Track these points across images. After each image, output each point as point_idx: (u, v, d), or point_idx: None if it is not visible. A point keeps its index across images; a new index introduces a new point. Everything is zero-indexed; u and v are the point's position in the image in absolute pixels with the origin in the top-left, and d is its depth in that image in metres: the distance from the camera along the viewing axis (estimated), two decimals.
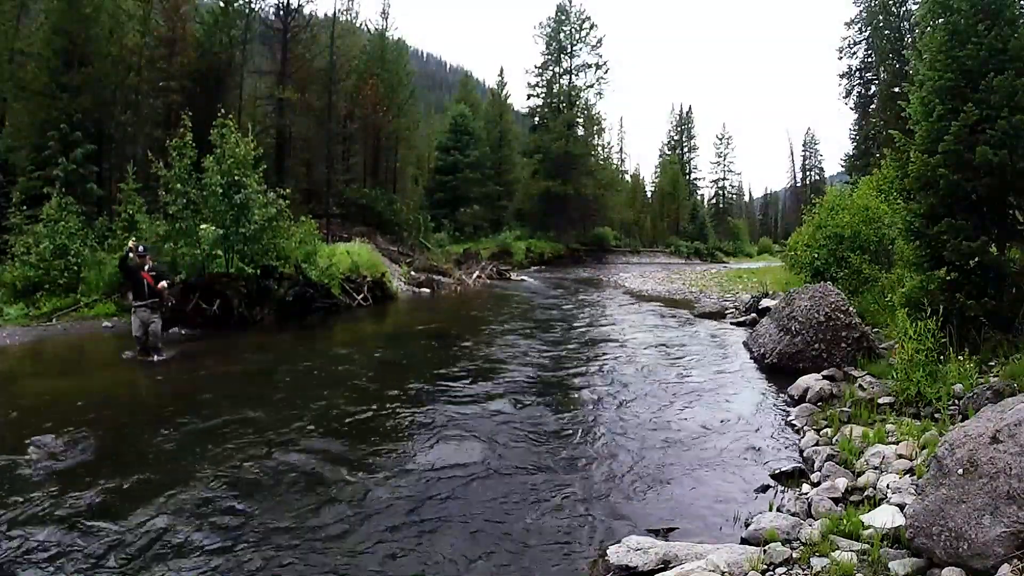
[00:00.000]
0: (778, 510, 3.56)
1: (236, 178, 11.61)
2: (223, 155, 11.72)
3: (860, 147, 32.17)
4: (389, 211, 27.44)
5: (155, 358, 8.02)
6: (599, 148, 48.58)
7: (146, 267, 8.33)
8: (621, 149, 74.86)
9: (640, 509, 3.78)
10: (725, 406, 5.97)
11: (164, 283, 8.50)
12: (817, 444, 4.64)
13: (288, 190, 13.07)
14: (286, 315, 12.02)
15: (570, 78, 43.96)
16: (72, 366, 8.20)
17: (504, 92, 46.78)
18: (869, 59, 33.13)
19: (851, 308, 7.37)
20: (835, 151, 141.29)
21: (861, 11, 32.67)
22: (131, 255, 8.25)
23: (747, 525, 3.36)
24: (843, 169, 33.15)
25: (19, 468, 4.22)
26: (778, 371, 7.19)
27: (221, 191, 11.42)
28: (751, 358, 8.16)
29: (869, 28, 32.09)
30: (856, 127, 33.73)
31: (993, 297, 5.51)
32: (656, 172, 66.98)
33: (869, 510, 3.27)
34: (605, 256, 42.92)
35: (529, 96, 44.33)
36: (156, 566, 3.01)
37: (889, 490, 3.46)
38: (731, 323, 11.72)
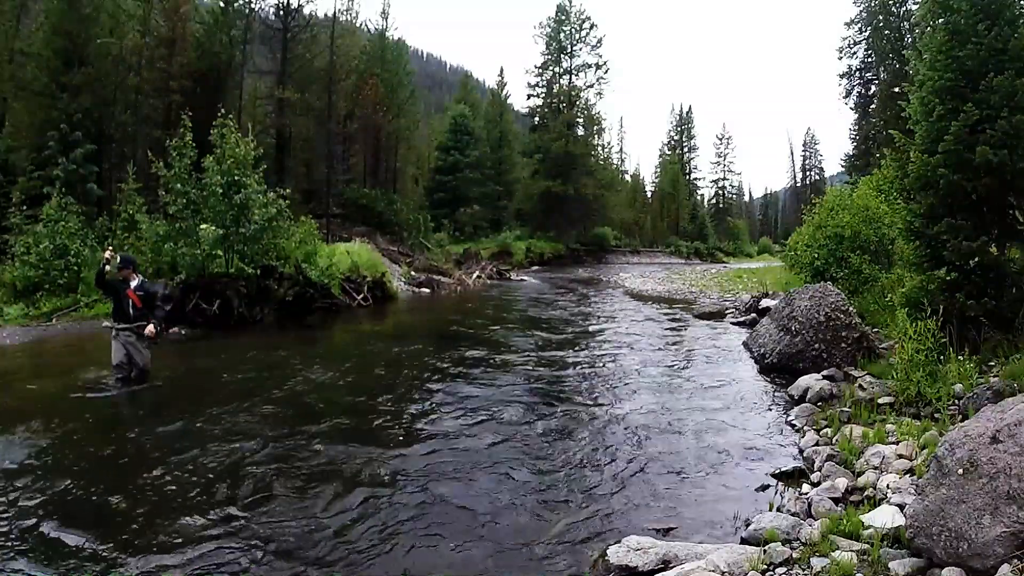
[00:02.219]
0: (778, 510, 3.56)
1: (236, 178, 11.61)
2: (223, 155, 11.72)
3: (860, 147, 32.24)
4: (389, 211, 27.48)
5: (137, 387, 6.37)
6: (599, 148, 48.75)
7: (132, 283, 6.56)
8: (621, 149, 75.17)
9: (640, 509, 3.77)
10: (725, 406, 5.97)
11: (151, 327, 6.39)
12: (817, 444, 4.63)
13: (288, 190, 13.08)
14: (286, 315, 12.02)
15: (570, 78, 44.07)
16: (70, 366, 8.17)
17: (504, 92, 46.92)
18: (869, 59, 33.21)
19: (851, 308, 7.37)
20: (835, 151, 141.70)
21: (861, 11, 32.74)
22: (107, 267, 6.50)
23: (747, 525, 3.36)
24: (843, 169, 33.23)
25: None
26: (778, 371, 7.19)
27: (221, 191, 11.43)
28: (751, 358, 8.16)
29: (869, 28, 32.16)
30: (856, 127, 33.82)
31: (993, 297, 5.51)
32: (656, 172, 67.08)
33: (869, 510, 3.27)
34: (605, 256, 42.95)
35: (529, 96, 44.51)
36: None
37: (889, 490, 3.46)
38: (731, 323, 11.72)
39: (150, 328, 6.40)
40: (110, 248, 6.91)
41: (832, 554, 2.79)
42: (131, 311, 6.50)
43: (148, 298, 6.62)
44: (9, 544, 3.19)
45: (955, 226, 5.52)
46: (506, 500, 3.86)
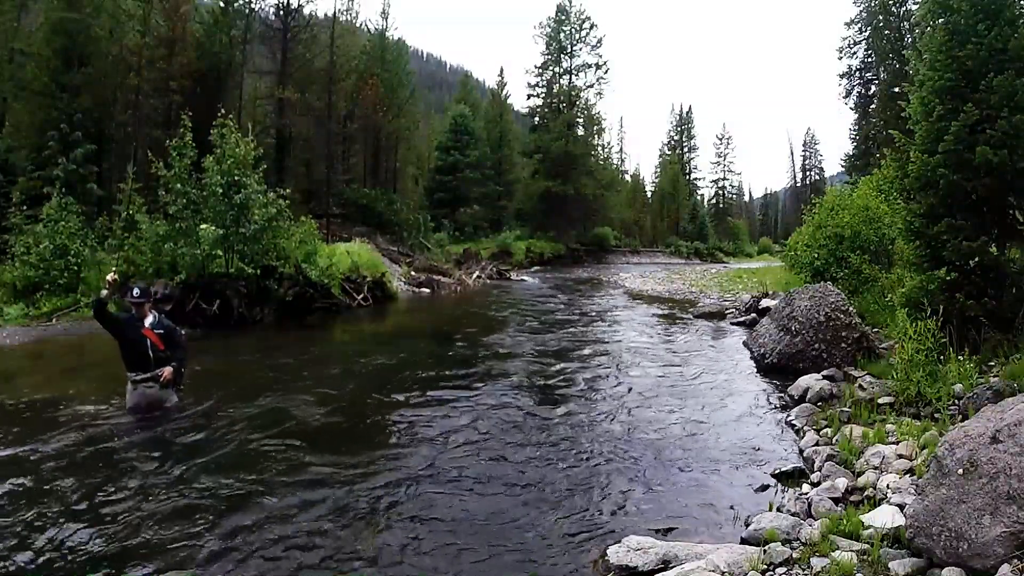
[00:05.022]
0: (778, 510, 3.56)
1: (236, 178, 11.61)
2: (223, 155, 11.73)
3: (860, 147, 32.22)
4: (389, 211, 27.47)
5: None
6: (599, 148, 48.71)
7: (147, 320, 5.27)
8: (621, 149, 75.10)
9: (640, 509, 3.77)
10: (725, 406, 5.97)
11: (168, 371, 5.25)
12: (817, 444, 4.64)
13: (288, 190, 13.08)
14: (286, 315, 12.02)
15: (570, 78, 44.07)
16: (71, 367, 8.16)
17: (504, 92, 46.91)
18: (869, 59, 33.19)
19: (851, 308, 7.37)
20: (835, 151, 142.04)
21: (861, 11, 32.74)
22: (104, 292, 5.06)
23: (747, 525, 3.36)
24: (843, 169, 33.22)
25: None
26: (778, 371, 7.19)
27: (221, 191, 11.44)
28: (751, 358, 8.16)
29: (869, 28, 32.15)
30: (856, 127, 33.79)
31: (993, 297, 5.51)
32: (656, 172, 67.17)
33: (869, 510, 3.27)
34: (605, 256, 42.96)
35: (529, 96, 44.51)
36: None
37: (889, 490, 3.46)
38: (731, 323, 11.72)
39: (167, 371, 5.22)
40: (114, 270, 5.48)
41: (832, 554, 2.79)
42: (152, 355, 5.19)
43: (170, 336, 5.35)
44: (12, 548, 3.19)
45: (955, 226, 5.53)
46: (505, 500, 3.86)
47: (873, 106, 31.56)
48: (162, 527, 3.39)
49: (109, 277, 5.14)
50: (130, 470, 4.20)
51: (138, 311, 5.30)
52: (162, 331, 5.32)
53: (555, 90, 43.85)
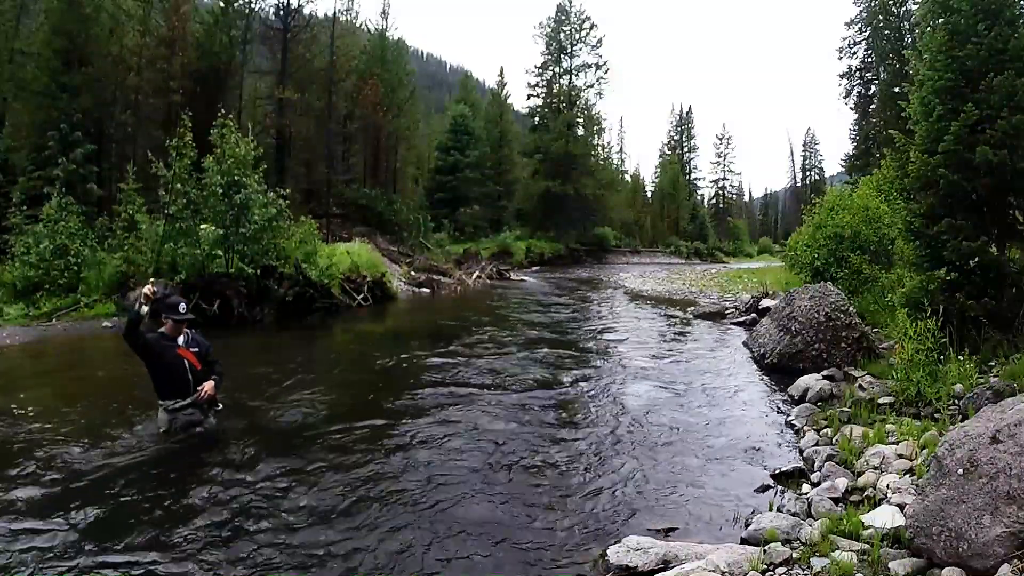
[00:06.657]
0: (778, 510, 3.56)
1: (236, 178, 11.62)
2: (223, 155, 11.73)
3: (860, 147, 32.26)
4: (389, 211, 27.47)
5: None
6: (599, 148, 48.76)
7: (181, 340, 4.57)
8: (621, 149, 75.19)
9: (640, 509, 3.77)
10: (725, 406, 5.97)
11: (210, 385, 4.60)
12: (817, 444, 4.63)
13: (288, 190, 13.08)
14: (286, 315, 12.01)
15: (570, 78, 44.13)
16: (73, 366, 8.17)
17: (504, 92, 46.90)
18: (869, 59, 33.22)
19: (851, 308, 7.37)
20: (835, 151, 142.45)
21: (861, 11, 32.78)
22: (143, 309, 4.26)
23: (747, 525, 3.36)
24: (843, 169, 33.25)
25: None
26: (778, 371, 7.19)
27: (221, 191, 11.44)
28: (751, 358, 8.16)
29: (869, 28, 32.20)
30: (856, 127, 33.82)
31: (993, 297, 5.52)
32: (656, 172, 67.25)
33: (869, 510, 3.27)
34: (605, 256, 42.98)
35: (529, 96, 44.56)
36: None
37: (889, 490, 3.45)
38: (731, 323, 11.72)
39: (209, 386, 4.56)
40: (151, 281, 4.73)
41: (832, 554, 2.79)
42: (191, 378, 4.54)
43: (205, 353, 4.73)
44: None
45: (955, 226, 5.53)
46: (505, 501, 3.85)
47: (873, 106, 31.60)
48: (156, 526, 3.39)
49: (147, 289, 4.29)
50: (122, 472, 4.20)
51: (174, 329, 4.52)
52: (197, 349, 4.66)
53: (555, 90, 43.90)
